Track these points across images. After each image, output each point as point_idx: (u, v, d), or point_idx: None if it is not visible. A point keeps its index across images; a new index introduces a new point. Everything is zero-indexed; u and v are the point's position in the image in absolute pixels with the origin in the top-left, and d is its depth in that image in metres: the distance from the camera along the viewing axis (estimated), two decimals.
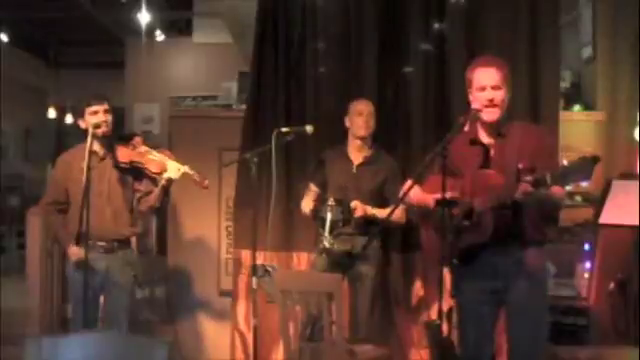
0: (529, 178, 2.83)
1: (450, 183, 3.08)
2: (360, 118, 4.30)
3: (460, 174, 3.18)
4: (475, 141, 3.24)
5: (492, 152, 3.21)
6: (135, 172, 4.02)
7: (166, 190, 4.00)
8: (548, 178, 2.78)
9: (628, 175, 4.62)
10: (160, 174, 3.95)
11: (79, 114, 4.01)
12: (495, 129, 3.20)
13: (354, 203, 4.12)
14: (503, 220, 3.05)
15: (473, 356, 3.24)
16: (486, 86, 3.17)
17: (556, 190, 3.00)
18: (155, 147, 4.09)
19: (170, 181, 3.95)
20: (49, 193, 4.19)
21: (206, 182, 4.05)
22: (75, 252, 3.93)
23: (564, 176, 2.76)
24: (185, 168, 3.97)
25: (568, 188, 3.50)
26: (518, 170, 2.94)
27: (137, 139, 4.04)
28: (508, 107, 3.22)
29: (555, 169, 2.92)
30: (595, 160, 2.69)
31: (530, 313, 3.15)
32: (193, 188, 4.85)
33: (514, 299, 3.16)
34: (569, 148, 4.50)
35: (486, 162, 3.20)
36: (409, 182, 3.27)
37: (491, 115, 3.17)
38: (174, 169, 3.93)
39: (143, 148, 3.99)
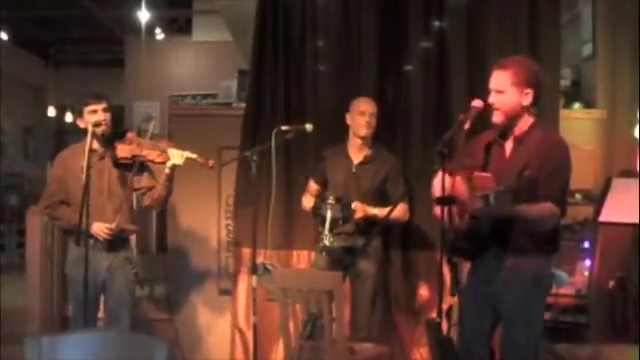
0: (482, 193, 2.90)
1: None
2: (362, 117, 4.28)
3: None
4: (495, 141, 3.23)
5: (503, 155, 3.19)
6: (137, 166, 4.02)
7: (170, 178, 4.01)
8: (492, 198, 2.85)
9: (628, 173, 4.61)
10: (164, 162, 3.97)
11: (78, 113, 4.02)
12: (506, 132, 3.19)
13: (355, 204, 4.10)
14: (480, 225, 3.05)
15: (470, 355, 3.24)
16: (491, 89, 3.17)
17: (544, 206, 3.01)
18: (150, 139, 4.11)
19: (174, 168, 3.98)
20: (48, 192, 4.15)
21: (211, 162, 4.06)
22: (100, 227, 3.90)
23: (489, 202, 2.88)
24: (187, 153, 3.99)
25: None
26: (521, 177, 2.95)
27: (130, 134, 4.05)
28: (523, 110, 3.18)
29: (557, 184, 3.01)
30: (508, 192, 2.88)
31: (518, 323, 3.14)
32: (193, 186, 4.88)
33: (504, 307, 3.16)
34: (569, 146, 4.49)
35: (490, 164, 3.19)
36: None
37: (495, 117, 3.16)
38: (177, 155, 3.97)
39: (141, 140, 4.01)
